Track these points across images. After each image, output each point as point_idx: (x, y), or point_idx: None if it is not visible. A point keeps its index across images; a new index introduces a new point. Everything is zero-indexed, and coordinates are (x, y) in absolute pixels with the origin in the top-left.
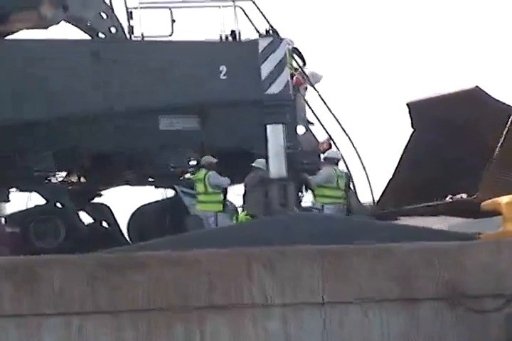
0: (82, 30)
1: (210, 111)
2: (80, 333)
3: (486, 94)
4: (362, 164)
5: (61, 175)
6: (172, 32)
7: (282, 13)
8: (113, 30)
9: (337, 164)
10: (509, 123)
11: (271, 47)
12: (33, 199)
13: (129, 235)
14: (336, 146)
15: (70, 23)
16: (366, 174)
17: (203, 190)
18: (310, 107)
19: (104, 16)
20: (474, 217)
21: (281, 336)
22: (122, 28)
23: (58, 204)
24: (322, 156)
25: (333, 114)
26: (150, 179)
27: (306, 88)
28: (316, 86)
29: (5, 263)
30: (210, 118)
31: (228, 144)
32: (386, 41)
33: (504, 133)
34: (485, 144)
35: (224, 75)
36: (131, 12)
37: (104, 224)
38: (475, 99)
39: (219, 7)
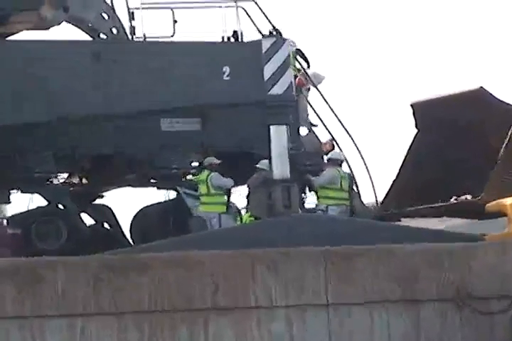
0: (83, 31)
1: (213, 112)
2: (83, 335)
3: (491, 94)
4: (365, 165)
5: (63, 176)
6: (174, 32)
7: (284, 13)
8: (114, 30)
9: (340, 165)
10: None
11: (274, 48)
12: (35, 201)
13: (131, 236)
14: (338, 147)
15: (71, 23)
16: (369, 175)
17: (205, 192)
18: (313, 108)
19: (106, 17)
20: (479, 218)
21: (286, 337)
22: (124, 29)
23: (60, 206)
24: (325, 157)
25: (335, 115)
26: (152, 180)
27: (309, 89)
28: (318, 87)
29: (7, 264)
30: (213, 120)
31: (231, 145)
32: (389, 41)
33: (509, 134)
34: (489, 145)
35: (227, 76)
36: (132, 12)
37: (106, 225)
38: (479, 100)
39: (220, 7)
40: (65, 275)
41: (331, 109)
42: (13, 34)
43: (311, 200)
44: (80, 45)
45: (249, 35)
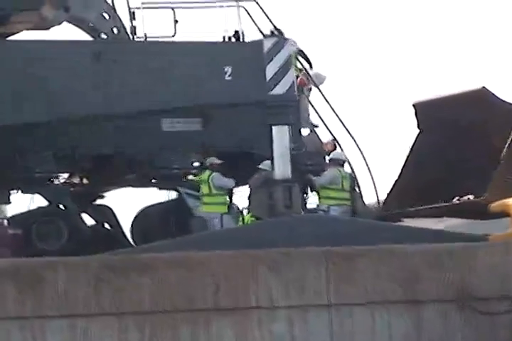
0: (84, 30)
1: (215, 112)
2: (84, 335)
3: (493, 94)
4: (367, 165)
5: (63, 176)
6: (175, 32)
7: (285, 13)
8: (115, 30)
9: (342, 165)
10: None
11: (276, 48)
12: (36, 201)
13: (132, 237)
14: (340, 147)
15: (71, 23)
16: (371, 175)
17: (207, 192)
18: (314, 108)
19: (107, 17)
20: (482, 219)
21: (287, 338)
22: (125, 29)
23: (61, 206)
24: (327, 158)
25: (337, 115)
26: (153, 180)
27: (310, 89)
28: (320, 87)
29: (8, 265)
30: (215, 120)
31: (233, 145)
32: (391, 41)
33: None
34: (492, 145)
35: (229, 76)
36: (133, 12)
37: (107, 225)
38: (482, 100)
39: (222, 7)
40: (66, 276)
41: (333, 109)
42: (13, 34)
43: (312, 200)
44: (80, 45)
45: (251, 35)
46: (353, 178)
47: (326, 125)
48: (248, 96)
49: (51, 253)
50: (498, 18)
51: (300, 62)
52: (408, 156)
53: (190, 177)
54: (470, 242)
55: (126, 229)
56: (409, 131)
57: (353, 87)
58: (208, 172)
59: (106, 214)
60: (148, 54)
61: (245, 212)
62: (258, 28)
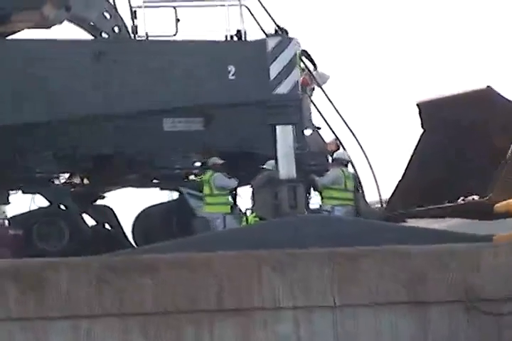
0: (85, 30)
1: (218, 111)
2: (88, 336)
3: (498, 94)
4: (370, 165)
5: (64, 176)
6: (177, 31)
7: (288, 12)
8: (116, 29)
9: (346, 165)
10: None
11: (280, 47)
12: (37, 201)
13: (134, 237)
14: (343, 147)
15: (73, 23)
16: (374, 175)
17: (208, 192)
18: (317, 108)
19: (108, 16)
20: (487, 219)
21: (292, 339)
22: (126, 28)
23: (62, 206)
24: (330, 158)
25: (340, 115)
26: (155, 181)
27: (313, 88)
28: (323, 86)
29: (10, 265)
30: (217, 119)
31: (234, 145)
32: (395, 41)
33: None
34: (496, 145)
35: (232, 75)
36: (135, 11)
37: (107, 226)
38: (487, 100)
39: (224, 6)
40: (68, 277)
41: (336, 109)
42: (14, 33)
43: (315, 201)
44: (81, 44)
45: (253, 35)
46: (356, 178)
47: (329, 125)
48: (251, 96)
49: (52, 253)
50: (503, 18)
51: (303, 62)
52: (412, 156)
53: (192, 177)
54: (474, 243)
55: (128, 229)
56: (412, 130)
57: (356, 86)
58: (210, 172)
59: (107, 214)
60: (149, 53)
61: (248, 212)
62: (260, 27)
